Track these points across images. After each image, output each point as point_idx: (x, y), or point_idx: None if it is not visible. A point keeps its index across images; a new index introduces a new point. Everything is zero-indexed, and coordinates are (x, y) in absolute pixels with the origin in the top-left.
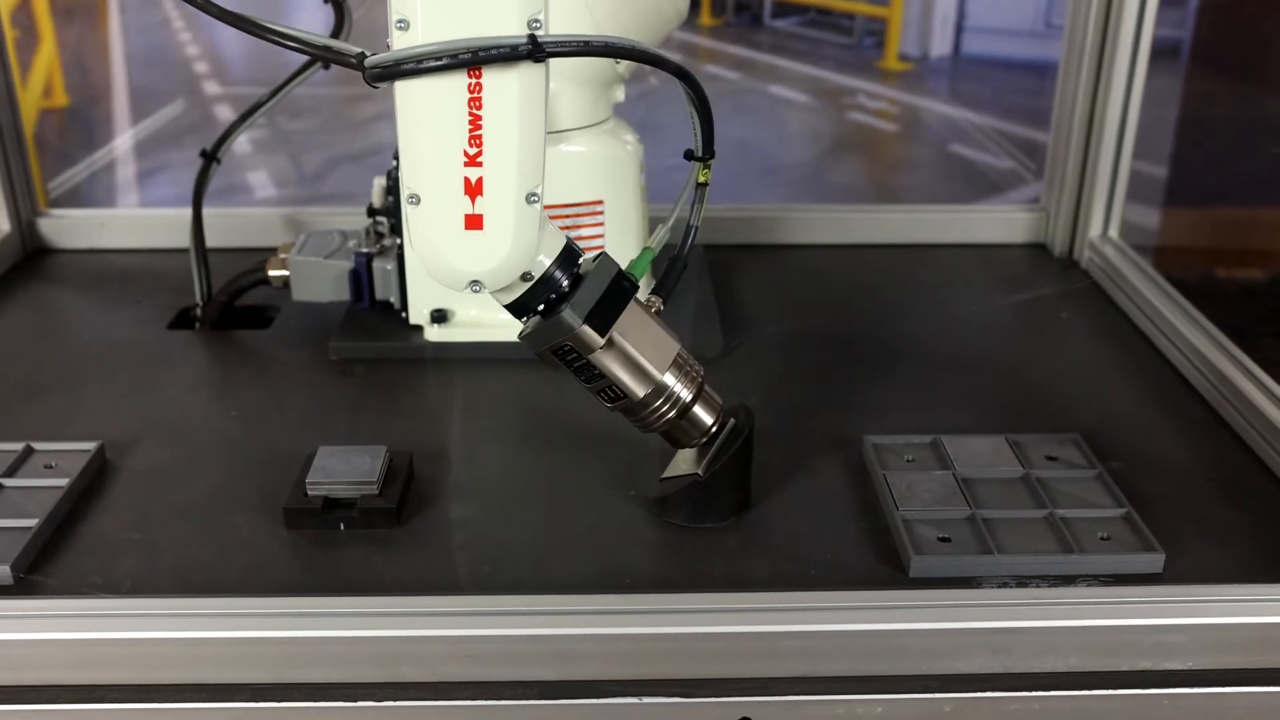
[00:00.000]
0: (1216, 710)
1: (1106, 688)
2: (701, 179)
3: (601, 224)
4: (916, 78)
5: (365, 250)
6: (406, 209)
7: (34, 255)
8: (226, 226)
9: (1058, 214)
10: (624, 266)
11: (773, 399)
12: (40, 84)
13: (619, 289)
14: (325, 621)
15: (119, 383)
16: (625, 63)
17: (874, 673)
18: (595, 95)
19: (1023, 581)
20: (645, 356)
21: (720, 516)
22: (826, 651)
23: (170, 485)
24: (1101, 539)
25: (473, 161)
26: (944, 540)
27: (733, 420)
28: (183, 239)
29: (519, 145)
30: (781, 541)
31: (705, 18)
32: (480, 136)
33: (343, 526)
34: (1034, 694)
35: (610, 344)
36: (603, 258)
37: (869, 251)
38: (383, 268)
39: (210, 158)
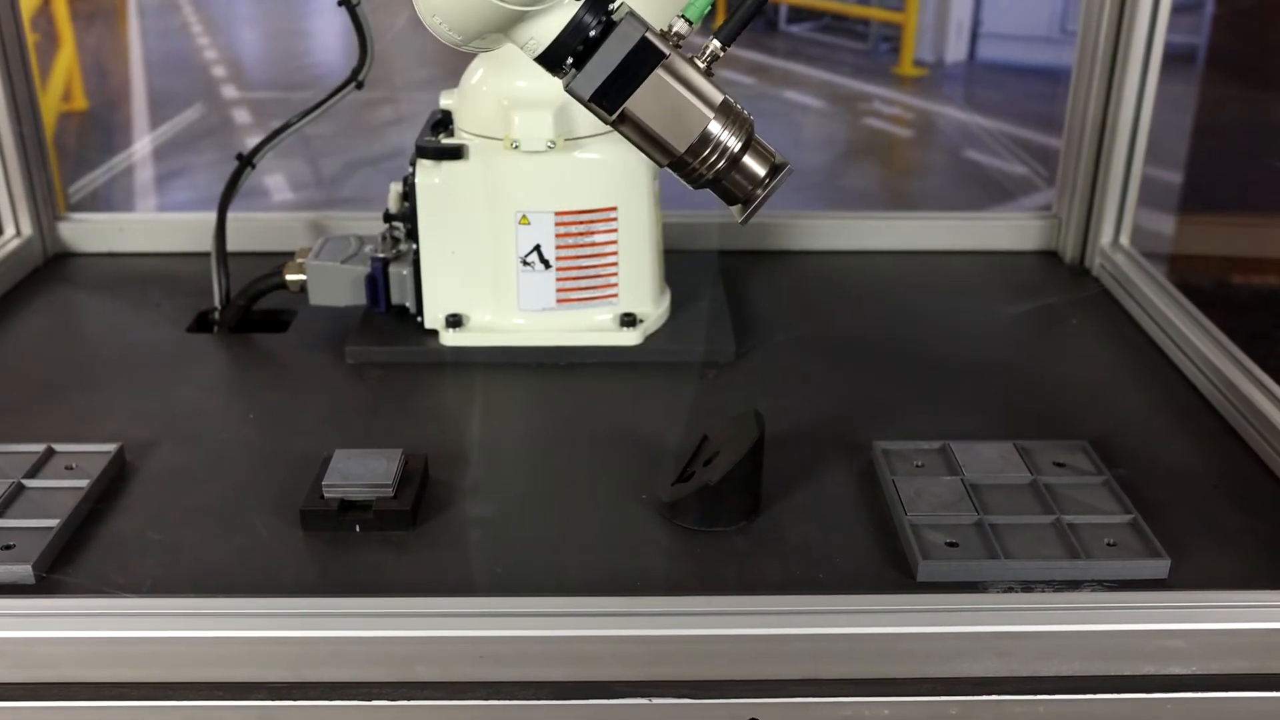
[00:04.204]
0: (1220, 715)
1: (1111, 692)
2: None
3: (615, 229)
4: (931, 83)
5: (381, 255)
6: None
7: (55, 259)
8: (244, 230)
9: (1069, 221)
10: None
11: (784, 404)
12: (60, 88)
13: (637, 61)
14: (341, 622)
15: (138, 385)
16: None
17: (880, 675)
18: None
19: (1029, 586)
20: (677, 119)
21: (730, 520)
22: (834, 654)
23: (189, 486)
24: (1108, 545)
25: None
26: (951, 545)
27: (786, 168)
28: (201, 243)
29: None
30: (791, 545)
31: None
32: None
33: (358, 528)
34: (1039, 697)
35: (624, 117)
36: (626, 20)
37: (881, 258)
38: (399, 273)
39: (245, 162)
